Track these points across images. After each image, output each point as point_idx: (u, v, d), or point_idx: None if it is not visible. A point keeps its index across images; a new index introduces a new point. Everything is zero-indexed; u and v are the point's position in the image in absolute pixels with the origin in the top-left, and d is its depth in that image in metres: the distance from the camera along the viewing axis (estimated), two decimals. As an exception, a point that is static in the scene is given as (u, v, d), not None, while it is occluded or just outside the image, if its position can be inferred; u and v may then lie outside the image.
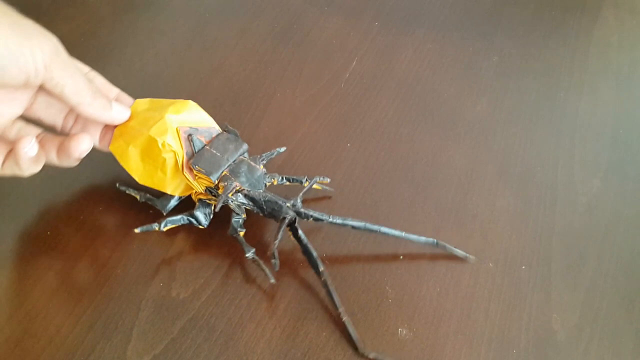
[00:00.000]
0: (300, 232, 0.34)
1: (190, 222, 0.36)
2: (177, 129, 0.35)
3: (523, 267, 0.37)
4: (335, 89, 0.46)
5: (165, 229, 0.35)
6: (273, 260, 0.34)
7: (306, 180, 0.38)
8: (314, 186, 0.38)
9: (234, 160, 0.35)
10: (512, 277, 0.36)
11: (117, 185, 0.38)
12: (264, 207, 0.35)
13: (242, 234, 0.35)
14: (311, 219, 0.35)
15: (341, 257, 0.36)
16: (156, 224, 0.35)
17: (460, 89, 0.47)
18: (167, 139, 0.34)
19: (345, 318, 0.33)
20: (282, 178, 0.38)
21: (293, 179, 0.38)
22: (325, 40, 0.50)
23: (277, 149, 0.38)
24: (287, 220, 0.34)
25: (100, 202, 0.38)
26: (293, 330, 0.33)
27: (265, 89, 0.45)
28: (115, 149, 0.36)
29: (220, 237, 0.37)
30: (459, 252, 0.36)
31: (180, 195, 0.36)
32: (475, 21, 0.53)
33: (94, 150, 0.33)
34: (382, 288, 0.35)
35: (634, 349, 0.34)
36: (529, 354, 0.33)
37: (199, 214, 0.36)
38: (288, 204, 0.34)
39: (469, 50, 0.50)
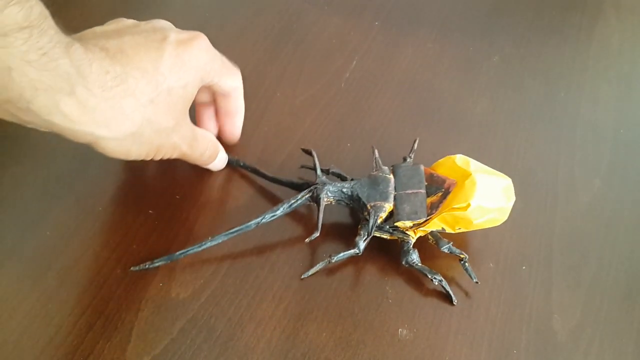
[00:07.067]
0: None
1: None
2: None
3: (523, 267, 0.37)
4: (335, 89, 0.46)
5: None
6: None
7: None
8: None
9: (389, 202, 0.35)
10: (512, 277, 0.36)
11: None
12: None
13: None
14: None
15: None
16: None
17: (460, 89, 0.47)
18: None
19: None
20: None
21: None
22: (325, 40, 0.50)
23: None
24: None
25: (99, 203, 0.38)
26: (293, 331, 0.33)
27: (265, 88, 0.45)
28: None
29: (220, 237, 0.36)
30: None
31: None
32: (475, 21, 0.53)
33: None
34: (382, 288, 0.35)
35: (634, 350, 0.34)
36: (529, 355, 0.33)
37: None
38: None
39: (469, 50, 0.50)
